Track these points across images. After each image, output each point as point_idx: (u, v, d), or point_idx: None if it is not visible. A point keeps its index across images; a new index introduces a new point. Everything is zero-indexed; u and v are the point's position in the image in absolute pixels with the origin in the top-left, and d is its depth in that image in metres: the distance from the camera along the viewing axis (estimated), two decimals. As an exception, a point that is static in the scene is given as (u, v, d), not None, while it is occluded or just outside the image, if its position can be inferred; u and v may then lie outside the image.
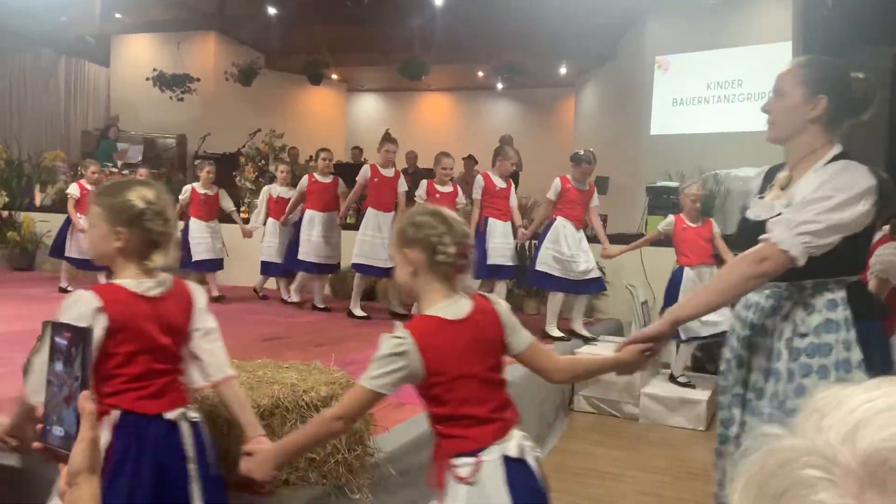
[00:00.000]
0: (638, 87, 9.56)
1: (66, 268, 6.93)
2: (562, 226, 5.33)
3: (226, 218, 7.06)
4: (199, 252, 6.63)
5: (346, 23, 11.00)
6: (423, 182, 5.96)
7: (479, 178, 5.76)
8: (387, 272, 5.85)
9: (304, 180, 6.49)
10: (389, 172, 6.05)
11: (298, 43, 11.68)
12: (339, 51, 11.73)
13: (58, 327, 1.01)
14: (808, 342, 1.79)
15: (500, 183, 5.68)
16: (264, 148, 8.92)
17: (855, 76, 1.89)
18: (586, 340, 5.43)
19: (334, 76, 13.67)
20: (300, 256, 6.35)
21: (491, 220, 5.62)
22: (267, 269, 6.98)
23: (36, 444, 1.01)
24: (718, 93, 8.90)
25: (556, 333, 5.41)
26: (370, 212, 6.03)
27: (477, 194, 5.68)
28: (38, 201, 9.70)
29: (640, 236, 6.02)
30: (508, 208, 5.71)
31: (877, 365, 1.77)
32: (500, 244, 5.60)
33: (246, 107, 11.87)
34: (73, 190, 6.96)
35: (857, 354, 1.76)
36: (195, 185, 6.81)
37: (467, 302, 1.69)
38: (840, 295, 1.80)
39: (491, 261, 5.52)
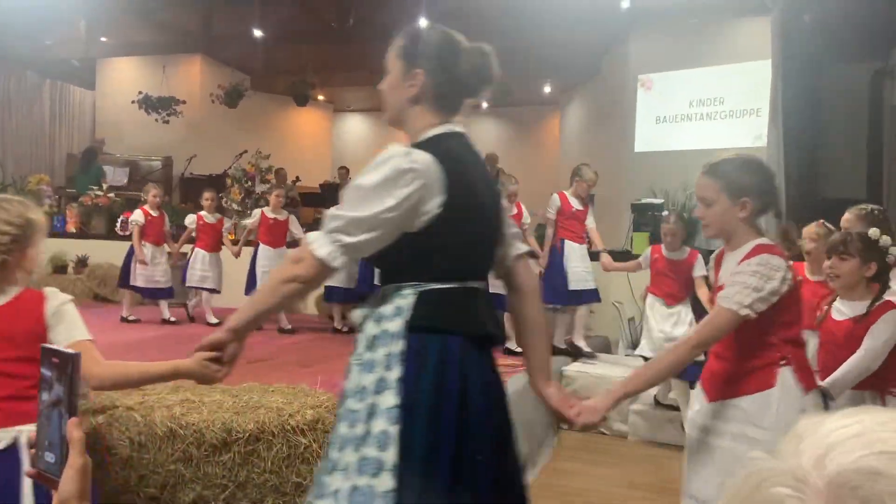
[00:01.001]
0: (621, 105, 9.65)
1: (129, 297, 6.73)
2: None
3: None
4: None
5: (332, 43, 11.05)
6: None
7: (555, 197, 5.60)
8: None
9: None
10: None
11: (284, 64, 11.72)
12: (324, 71, 11.78)
13: (46, 353, 1.01)
14: (366, 358, 1.52)
15: (577, 205, 5.55)
16: (250, 169, 8.92)
17: (467, 46, 1.63)
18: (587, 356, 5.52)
19: (320, 97, 13.71)
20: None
21: (568, 243, 5.50)
22: (331, 295, 6.41)
23: (29, 470, 1.02)
24: (701, 110, 9.00)
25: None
26: None
27: (551, 214, 5.55)
28: (22, 225, 9.62)
29: (625, 252, 6.07)
30: (584, 230, 5.60)
31: (422, 389, 1.45)
32: (580, 269, 5.48)
33: (232, 128, 11.86)
34: (138, 217, 6.65)
35: (395, 373, 1.47)
36: (265, 209, 6.59)
37: (5, 296, 1.80)
38: (407, 302, 1.51)
39: (573, 286, 5.44)
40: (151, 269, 6.57)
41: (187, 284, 6.71)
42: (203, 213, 6.76)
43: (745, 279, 1.81)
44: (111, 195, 9.29)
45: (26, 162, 11.66)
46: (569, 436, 4.87)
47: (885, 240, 2.62)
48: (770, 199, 1.96)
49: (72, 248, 8.55)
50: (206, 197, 6.79)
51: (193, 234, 6.75)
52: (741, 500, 0.49)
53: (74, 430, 0.96)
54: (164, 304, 6.74)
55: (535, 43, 9.73)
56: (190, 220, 6.80)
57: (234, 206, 8.53)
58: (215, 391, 2.76)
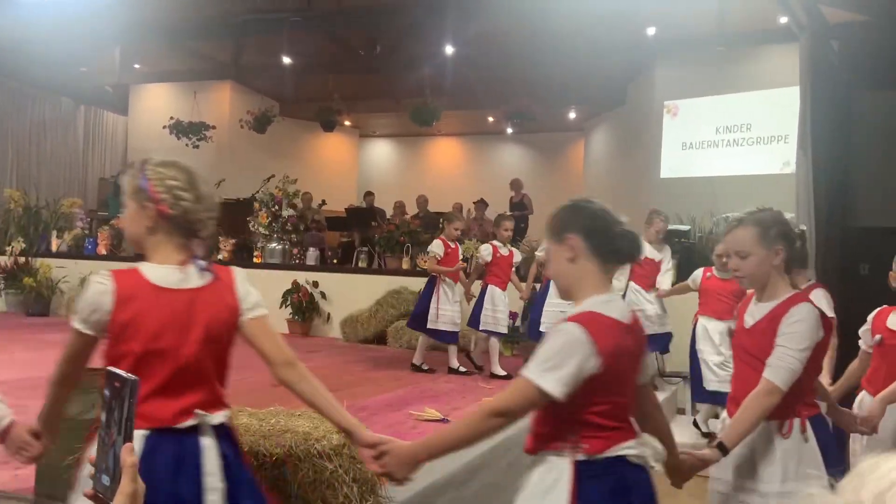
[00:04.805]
0: (647, 132, 9.64)
1: (424, 341, 5.91)
2: None
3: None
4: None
5: (359, 71, 11.22)
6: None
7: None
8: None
9: None
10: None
11: (312, 91, 11.92)
12: (351, 98, 11.95)
13: (110, 377, 1.02)
14: None
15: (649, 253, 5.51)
16: (278, 194, 9.04)
17: None
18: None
19: (347, 123, 13.89)
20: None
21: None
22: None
23: (87, 491, 1.03)
24: (727, 136, 8.97)
25: None
26: None
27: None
28: (54, 247, 9.83)
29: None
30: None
31: None
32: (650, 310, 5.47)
33: (260, 153, 12.05)
34: (437, 248, 5.80)
35: None
36: (495, 242, 5.85)
37: None
38: None
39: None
40: (453, 311, 5.71)
41: (481, 328, 5.71)
42: (497, 242, 5.81)
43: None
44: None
45: (60, 185, 11.92)
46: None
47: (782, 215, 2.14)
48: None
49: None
50: (507, 227, 5.78)
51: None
52: None
53: (127, 456, 0.96)
54: (453, 349, 5.82)
55: (560, 70, 9.79)
56: (486, 251, 5.80)
57: (262, 230, 8.63)
58: (242, 415, 2.77)
